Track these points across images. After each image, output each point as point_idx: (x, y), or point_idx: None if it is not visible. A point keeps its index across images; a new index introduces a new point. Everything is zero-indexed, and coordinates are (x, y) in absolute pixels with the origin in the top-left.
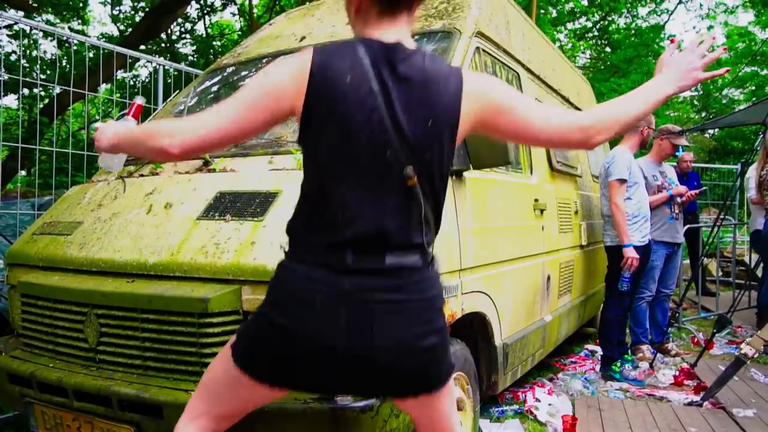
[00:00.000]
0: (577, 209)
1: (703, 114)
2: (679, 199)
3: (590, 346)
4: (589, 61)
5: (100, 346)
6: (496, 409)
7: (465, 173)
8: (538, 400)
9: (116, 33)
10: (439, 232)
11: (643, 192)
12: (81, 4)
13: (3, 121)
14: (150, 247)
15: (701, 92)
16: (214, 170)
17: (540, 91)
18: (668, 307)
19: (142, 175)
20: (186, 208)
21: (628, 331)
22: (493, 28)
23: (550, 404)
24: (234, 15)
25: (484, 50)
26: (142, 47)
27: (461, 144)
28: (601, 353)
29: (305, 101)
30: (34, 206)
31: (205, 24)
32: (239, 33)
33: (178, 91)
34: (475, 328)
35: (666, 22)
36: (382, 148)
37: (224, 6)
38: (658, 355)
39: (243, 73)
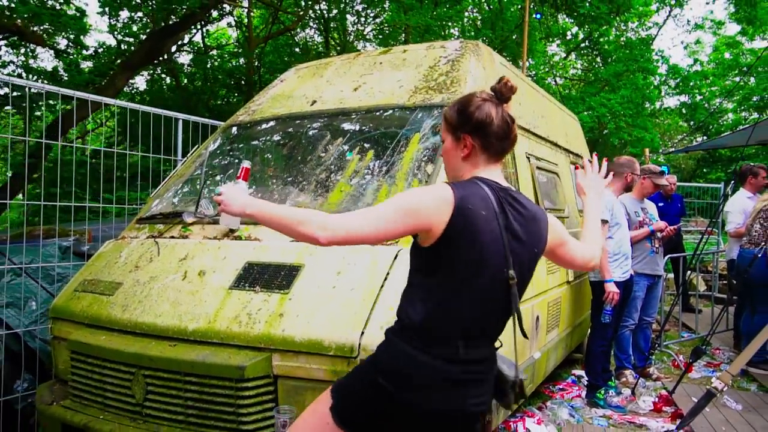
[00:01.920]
0: None
1: (691, 123)
2: (659, 234)
3: (577, 371)
4: (580, 72)
5: (146, 402)
6: None
7: None
8: (528, 430)
9: (114, 43)
10: None
11: (625, 231)
12: (78, 14)
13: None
14: (188, 314)
15: (689, 102)
16: (239, 237)
17: (530, 144)
18: (650, 334)
19: (172, 237)
20: (218, 277)
21: (612, 358)
22: None
23: None
24: (230, 26)
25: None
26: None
27: None
28: (587, 380)
29: (448, 226)
30: (60, 248)
31: (202, 34)
32: (236, 44)
33: (197, 145)
34: None
35: (655, 36)
36: (498, 264)
37: (221, 16)
38: (640, 379)
39: (258, 131)
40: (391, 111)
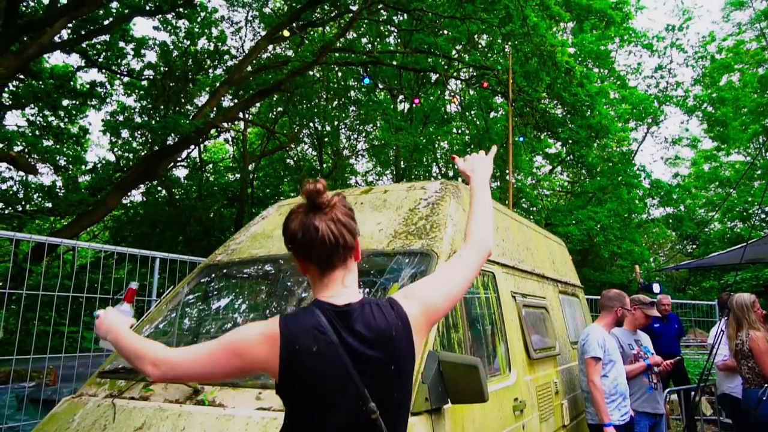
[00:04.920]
0: (558, 389)
1: (677, 233)
2: (656, 369)
3: None
4: (567, 184)
5: None
6: None
7: (444, 406)
8: None
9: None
10: None
11: (620, 369)
12: (81, 132)
13: None
14: None
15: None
16: (203, 402)
17: (515, 281)
18: None
19: (132, 398)
20: None
21: None
22: None
23: None
24: (227, 142)
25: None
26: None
27: (440, 381)
28: None
29: (280, 367)
30: (19, 398)
31: (199, 150)
32: (232, 159)
33: (172, 286)
34: None
35: (636, 152)
36: (352, 397)
37: (219, 133)
38: None
39: (236, 273)
40: (370, 257)
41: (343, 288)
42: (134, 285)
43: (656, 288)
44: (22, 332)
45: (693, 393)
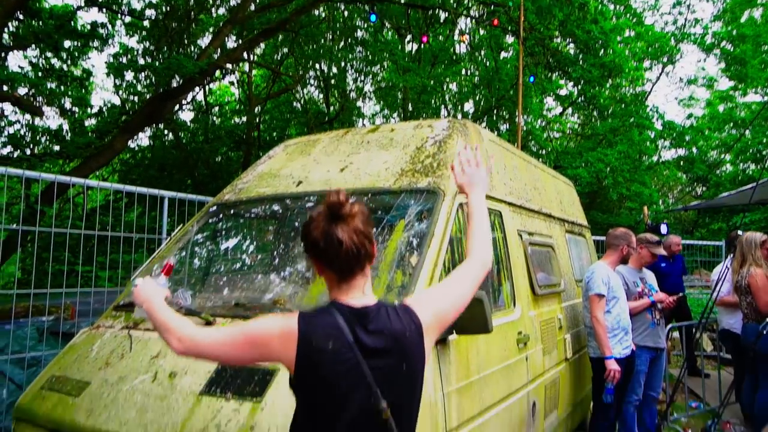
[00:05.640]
0: (561, 324)
1: (688, 175)
2: (659, 306)
3: None
4: (577, 127)
5: None
6: None
7: (449, 337)
8: None
9: (118, 102)
10: (423, 401)
11: (623, 305)
12: (85, 75)
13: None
14: (155, 423)
15: (686, 154)
16: None
17: (522, 219)
18: (656, 410)
19: (147, 329)
20: (189, 380)
21: None
22: None
23: None
24: (232, 84)
25: (466, 204)
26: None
27: None
28: None
29: (296, 363)
30: (39, 331)
31: (204, 92)
32: (237, 102)
33: (181, 225)
34: None
35: (649, 93)
36: (363, 396)
37: (224, 75)
38: None
39: (243, 212)
40: (376, 195)
41: (361, 293)
42: (172, 261)
43: (663, 229)
44: (39, 272)
45: (694, 329)
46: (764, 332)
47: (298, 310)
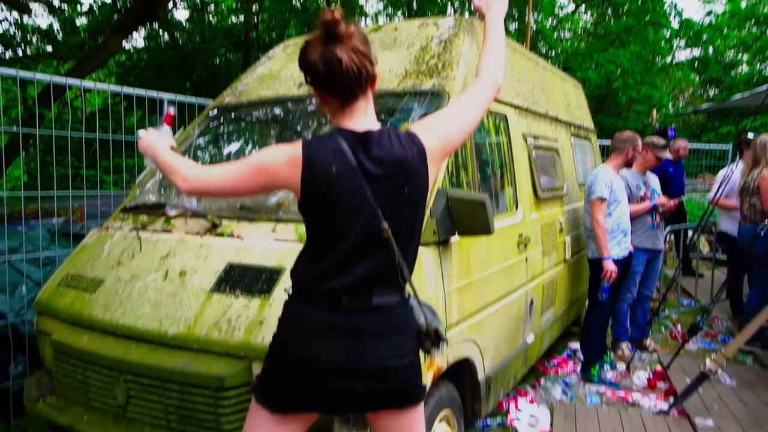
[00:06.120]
0: (562, 227)
1: (701, 77)
2: (660, 209)
3: (573, 344)
4: (590, 26)
5: (129, 405)
6: (480, 423)
7: (451, 238)
8: (520, 410)
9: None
10: (426, 297)
11: (624, 209)
12: None
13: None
14: (169, 318)
15: (701, 55)
16: (222, 234)
17: (528, 123)
18: (648, 308)
19: (155, 231)
20: (199, 279)
21: (609, 330)
22: None
23: (531, 415)
24: None
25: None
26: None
27: (447, 216)
28: (582, 357)
29: (302, 187)
30: (50, 232)
31: None
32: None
33: (182, 127)
34: (461, 367)
35: None
36: (366, 217)
37: None
38: (636, 352)
39: (244, 115)
40: (379, 98)
41: (365, 116)
42: (171, 110)
43: (671, 133)
44: (44, 176)
45: (692, 232)
46: (761, 234)
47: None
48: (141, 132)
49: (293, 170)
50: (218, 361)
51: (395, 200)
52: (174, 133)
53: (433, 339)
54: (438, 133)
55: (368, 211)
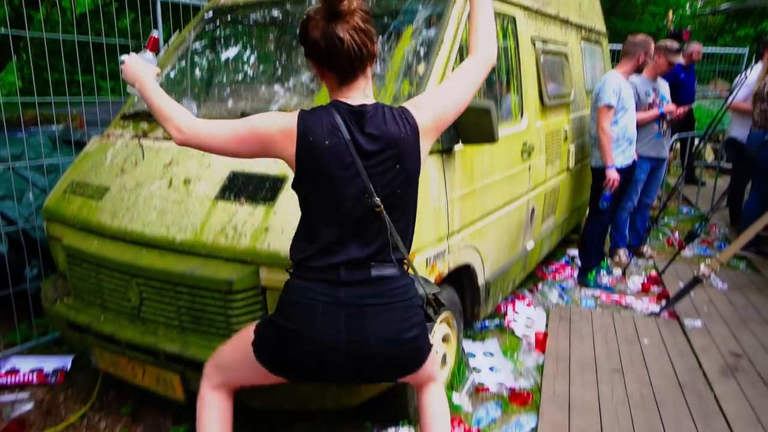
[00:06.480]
0: (567, 135)
1: None
2: (668, 117)
3: (572, 251)
4: None
5: (142, 306)
6: (479, 324)
7: (455, 146)
8: (517, 312)
9: None
10: (428, 206)
11: (631, 116)
12: None
13: None
14: (176, 225)
15: None
16: None
17: (537, 25)
18: (648, 216)
19: (156, 138)
20: (203, 187)
21: (607, 237)
22: None
23: (527, 317)
24: None
25: None
26: None
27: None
28: (580, 262)
29: (296, 160)
30: (51, 139)
31: None
32: None
33: (178, 30)
34: (461, 272)
35: None
36: (359, 192)
37: None
38: (633, 258)
39: (242, 17)
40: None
41: (363, 96)
42: (155, 33)
43: (686, 35)
44: (39, 81)
45: (699, 139)
46: None
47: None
48: (124, 57)
49: (288, 141)
50: (226, 266)
51: (387, 177)
52: (157, 54)
53: (435, 306)
54: (432, 110)
55: (361, 186)
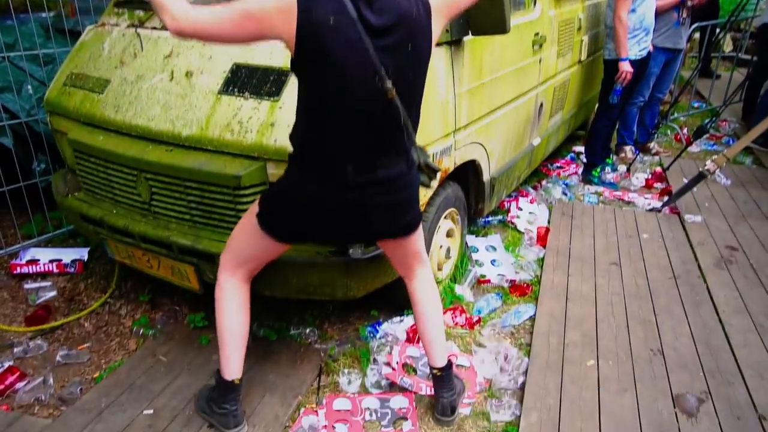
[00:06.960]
0: (581, 25)
1: None
2: (689, 3)
3: (577, 148)
4: None
5: (153, 201)
6: (483, 220)
7: (464, 38)
8: (520, 209)
9: None
10: (435, 100)
11: (650, 4)
12: None
13: None
14: (181, 119)
15: None
16: None
17: None
18: (658, 111)
19: (154, 28)
20: (206, 80)
21: (615, 133)
22: None
23: (530, 213)
24: None
25: None
26: None
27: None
28: (585, 159)
29: (296, 41)
30: (44, 27)
31: None
32: None
33: None
34: (467, 168)
35: None
36: (368, 75)
37: None
38: (639, 155)
39: None
40: None
41: None
42: None
43: None
44: None
45: (719, 29)
46: None
47: None
48: None
49: (287, 20)
50: (233, 161)
51: (399, 58)
52: None
53: (427, 172)
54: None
55: (370, 68)
